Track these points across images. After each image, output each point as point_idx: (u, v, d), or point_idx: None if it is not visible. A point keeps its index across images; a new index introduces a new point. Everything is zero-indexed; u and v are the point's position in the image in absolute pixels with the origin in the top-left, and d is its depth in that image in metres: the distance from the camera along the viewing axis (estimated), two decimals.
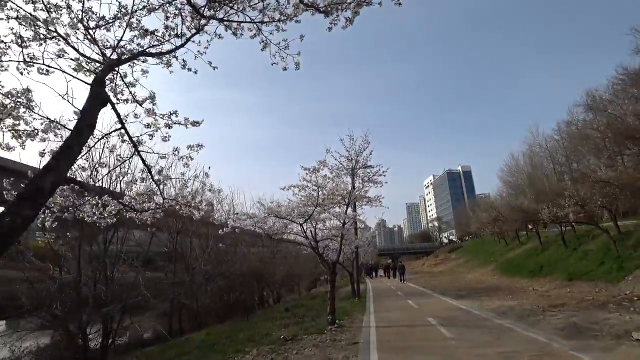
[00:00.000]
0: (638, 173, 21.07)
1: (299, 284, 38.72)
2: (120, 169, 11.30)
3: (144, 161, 4.80)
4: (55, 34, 3.96)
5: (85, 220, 5.25)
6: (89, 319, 12.86)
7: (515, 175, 63.76)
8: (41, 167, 3.16)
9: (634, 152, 27.39)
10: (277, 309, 21.62)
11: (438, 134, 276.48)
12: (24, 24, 3.77)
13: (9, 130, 4.08)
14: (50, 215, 4.63)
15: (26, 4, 3.73)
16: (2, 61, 3.84)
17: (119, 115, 4.27)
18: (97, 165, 8.27)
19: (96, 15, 4.05)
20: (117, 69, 4.36)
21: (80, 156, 3.93)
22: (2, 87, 3.93)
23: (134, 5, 3.99)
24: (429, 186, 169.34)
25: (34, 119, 4.18)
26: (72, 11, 3.96)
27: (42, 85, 4.11)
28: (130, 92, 4.65)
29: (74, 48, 4.08)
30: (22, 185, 3.09)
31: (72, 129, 3.48)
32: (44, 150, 4.37)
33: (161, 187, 5.15)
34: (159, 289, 18.82)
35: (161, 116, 4.64)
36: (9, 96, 3.93)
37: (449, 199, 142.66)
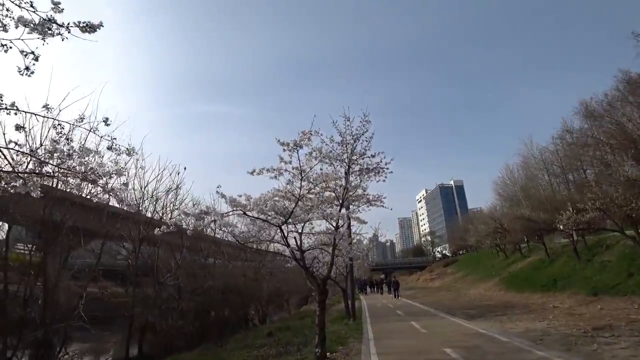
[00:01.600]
0: None
1: (288, 301, 35.92)
2: None
3: None
4: None
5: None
6: (17, 344, 10.20)
7: (509, 188, 62.30)
8: None
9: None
10: (260, 331, 18.92)
11: (430, 148, 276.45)
12: None
13: None
14: None
15: None
16: None
17: None
18: None
19: None
20: None
21: None
22: None
23: None
24: (421, 200, 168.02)
25: None
26: None
27: None
28: None
29: None
30: None
31: None
32: None
33: None
34: (120, 306, 16.17)
35: None
36: None
37: (442, 213, 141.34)
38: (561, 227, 19.45)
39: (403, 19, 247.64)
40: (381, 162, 8.59)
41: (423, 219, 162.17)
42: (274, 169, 6.14)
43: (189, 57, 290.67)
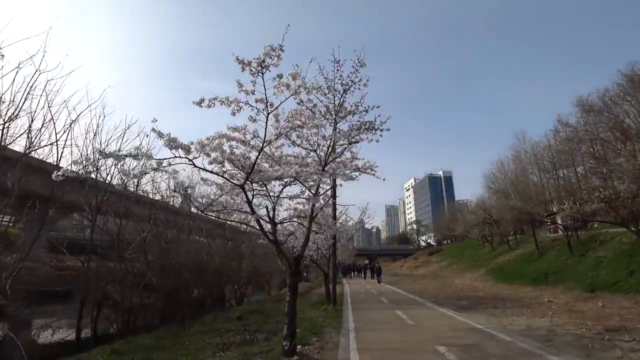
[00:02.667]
0: None
1: (269, 282, 34.72)
2: None
3: None
4: None
5: None
6: None
7: (499, 181, 61.80)
8: None
9: None
10: (233, 312, 17.60)
11: (420, 137, 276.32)
12: None
13: None
14: None
15: None
16: None
17: None
18: None
19: None
20: None
21: None
22: None
23: None
24: (409, 189, 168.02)
25: None
26: None
27: None
28: None
29: None
30: None
31: None
32: None
33: None
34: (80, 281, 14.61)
35: None
36: None
37: (429, 202, 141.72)
38: (559, 220, 18.34)
39: (396, 10, 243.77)
40: (375, 120, 7.07)
41: (410, 207, 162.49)
42: (230, 101, 4.51)
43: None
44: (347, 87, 6.83)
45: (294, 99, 4.81)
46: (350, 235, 24.55)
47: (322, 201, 7.43)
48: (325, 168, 6.41)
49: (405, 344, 7.44)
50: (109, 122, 66.09)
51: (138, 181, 14.36)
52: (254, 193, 6.34)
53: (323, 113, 6.74)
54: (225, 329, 10.85)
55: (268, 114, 4.41)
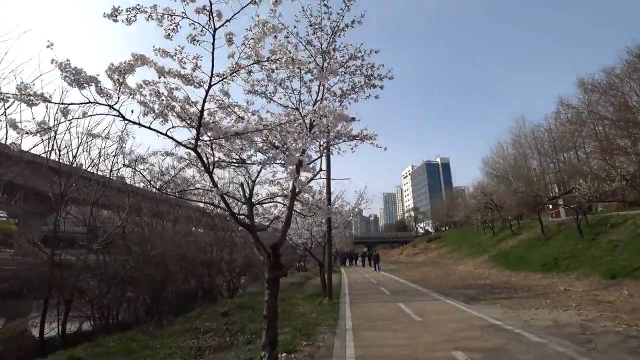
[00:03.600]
0: None
1: (264, 272, 33.43)
2: None
3: None
4: None
5: None
6: None
7: (499, 166, 60.60)
8: None
9: None
10: (222, 305, 16.31)
11: (417, 125, 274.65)
12: None
13: None
14: None
15: None
16: None
17: None
18: None
19: None
20: None
21: None
22: None
23: None
24: (406, 176, 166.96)
25: None
26: None
27: None
28: None
29: None
30: None
31: None
32: None
33: None
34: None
35: None
36: None
37: (427, 189, 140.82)
38: (562, 203, 17.01)
39: None
40: (373, 68, 5.64)
41: (407, 194, 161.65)
42: (160, 14, 2.95)
43: None
44: (336, 29, 5.36)
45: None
46: (348, 222, 23.17)
47: (306, 175, 6.02)
48: (312, 130, 5.00)
49: (413, 348, 6.10)
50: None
51: (110, 164, 12.79)
52: (216, 162, 4.90)
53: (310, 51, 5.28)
54: (206, 328, 9.52)
55: (215, 30, 2.94)
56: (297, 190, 5.96)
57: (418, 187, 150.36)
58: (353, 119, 7.33)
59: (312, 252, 18.70)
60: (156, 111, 3.43)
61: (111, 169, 13.79)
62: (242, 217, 6.97)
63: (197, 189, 5.64)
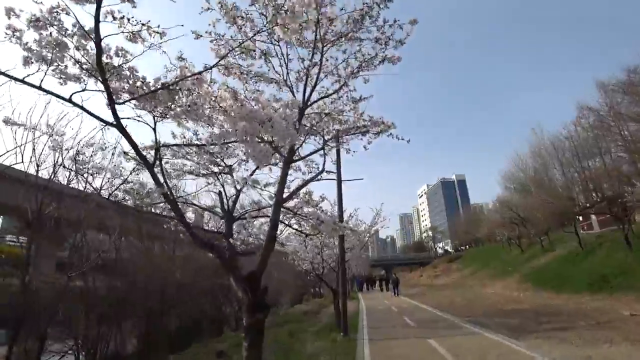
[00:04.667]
0: None
1: (278, 298, 31.26)
2: None
3: None
4: None
5: None
6: None
7: (518, 178, 57.88)
8: None
9: None
10: (222, 341, 14.40)
11: (432, 144, 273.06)
12: None
13: None
14: None
15: None
16: None
17: None
18: None
19: None
20: None
21: None
22: None
23: None
24: (422, 195, 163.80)
25: None
26: None
27: None
28: None
29: None
30: None
31: None
32: None
33: None
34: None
35: None
36: None
37: (444, 208, 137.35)
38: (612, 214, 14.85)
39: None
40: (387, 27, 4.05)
41: (424, 214, 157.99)
42: None
43: None
44: None
45: None
46: (364, 243, 21.16)
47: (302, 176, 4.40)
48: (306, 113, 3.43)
49: None
50: None
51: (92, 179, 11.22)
52: (160, 146, 3.30)
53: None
54: None
55: None
56: (283, 196, 4.29)
57: (435, 206, 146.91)
58: (363, 98, 5.67)
59: (325, 277, 16.75)
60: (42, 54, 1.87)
61: (101, 186, 12.25)
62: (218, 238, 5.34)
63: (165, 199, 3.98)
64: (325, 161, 6.14)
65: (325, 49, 4.79)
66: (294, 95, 5.18)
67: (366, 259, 44.48)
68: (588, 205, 29.17)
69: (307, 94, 5.24)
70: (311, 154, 5.96)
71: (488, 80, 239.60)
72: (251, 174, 6.55)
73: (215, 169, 6.49)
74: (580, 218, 32.71)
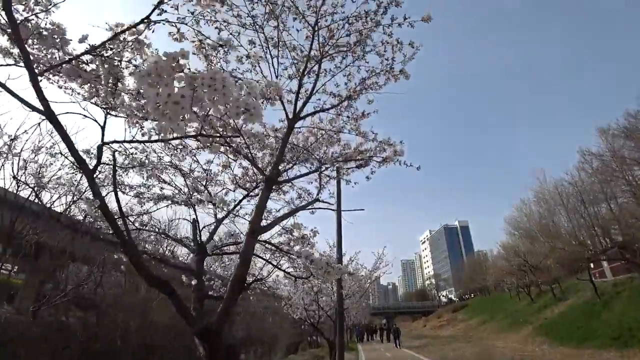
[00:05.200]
0: None
1: (272, 345, 28.91)
2: None
3: None
4: None
5: None
6: None
7: (522, 225, 56.63)
8: None
9: None
10: None
11: (434, 190, 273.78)
12: None
13: None
14: None
15: None
16: None
17: None
18: None
19: None
20: None
21: None
22: None
23: None
24: (425, 241, 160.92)
25: None
26: None
27: None
28: None
29: None
30: None
31: None
32: None
33: None
34: None
35: None
36: None
37: (447, 255, 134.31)
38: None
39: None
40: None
41: (427, 260, 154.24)
42: None
43: None
44: None
45: None
46: (365, 290, 19.66)
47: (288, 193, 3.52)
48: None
49: None
50: None
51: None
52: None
53: None
54: None
55: None
56: (260, 223, 3.34)
57: (438, 253, 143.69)
58: (366, 114, 4.92)
59: (321, 326, 15.20)
60: None
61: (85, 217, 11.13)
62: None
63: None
64: (321, 187, 5.25)
65: (323, 60, 4.16)
66: (284, 106, 4.40)
67: (367, 307, 42.14)
68: (598, 251, 27.83)
69: (299, 105, 4.47)
70: (302, 175, 5.08)
71: (489, 127, 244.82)
72: (237, 204, 5.69)
73: (198, 197, 5.64)
74: (591, 265, 31.22)
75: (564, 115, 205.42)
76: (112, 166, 3.06)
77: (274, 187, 4.67)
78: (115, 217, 2.72)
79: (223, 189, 6.04)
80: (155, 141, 3.28)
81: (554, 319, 23.42)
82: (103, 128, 2.68)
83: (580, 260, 24.74)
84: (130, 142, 2.84)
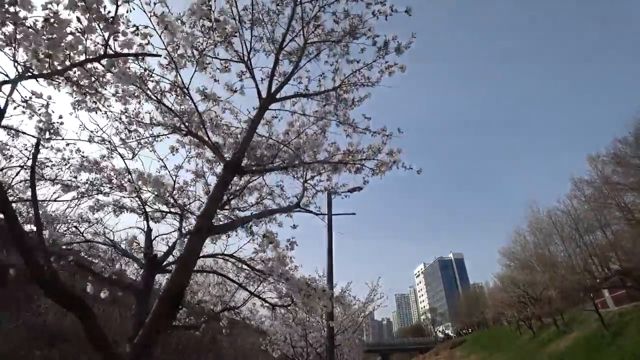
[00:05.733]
0: None
1: None
2: None
3: None
4: None
5: None
6: None
7: (517, 255, 55.63)
8: None
9: None
10: None
11: (427, 223, 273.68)
12: None
13: None
14: None
15: None
16: None
17: None
18: None
19: None
20: None
21: None
22: None
23: None
24: (419, 275, 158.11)
25: None
26: None
27: None
28: None
29: None
30: None
31: None
32: None
33: None
34: None
35: None
36: None
37: (442, 288, 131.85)
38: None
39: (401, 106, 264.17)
40: None
41: (422, 294, 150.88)
42: None
43: None
44: None
45: None
46: (359, 324, 18.20)
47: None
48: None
49: None
50: None
51: None
52: None
53: None
54: None
55: None
56: (207, 221, 2.44)
57: (433, 286, 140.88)
58: (356, 101, 4.17)
59: None
60: None
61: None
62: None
63: None
64: (304, 191, 4.38)
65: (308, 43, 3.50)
66: (255, 83, 3.60)
67: (360, 344, 39.88)
68: (600, 279, 26.79)
69: (275, 85, 3.69)
70: (279, 168, 4.20)
71: (480, 159, 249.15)
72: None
73: (165, 209, 4.71)
74: (592, 295, 30.13)
75: (554, 145, 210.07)
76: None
77: (239, 178, 3.77)
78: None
79: (195, 200, 5.10)
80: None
81: (561, 353, 22.00)
82: None
83: (582, 289, 23.68)
84: None
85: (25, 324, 10.28)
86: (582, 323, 24.67)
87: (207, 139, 3.20)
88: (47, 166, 4.08)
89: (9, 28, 1.99)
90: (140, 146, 4.11)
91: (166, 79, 3.22)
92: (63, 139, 3.11)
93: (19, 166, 4.60)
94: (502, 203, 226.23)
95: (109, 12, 1.90)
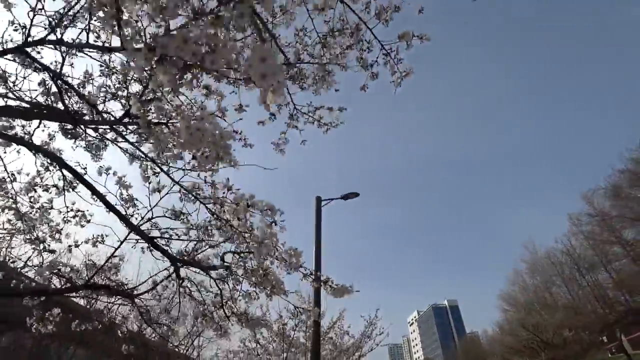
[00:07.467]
0: None
1: None
2: None
3: None
4: None
5: None
6: None
7: (516, 299, 52.83)
8: None
9: None
10: None
11: (418, 270, 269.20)
12: None
13: None
14: None
15: None
16: None
17: None
18: None
19: None
20: None
21: None
22: None
23: None
24: (413, 323, 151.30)
25: None
26: None
27: None
28: None
29: None
30: None
31: None
32: None
33: None
34: None
35: None
36: None
37: (437, 337, 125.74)
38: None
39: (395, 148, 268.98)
40: None
41: (416, 344, 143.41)
42: None
43: None
44: None
45: None
46: None
47: None
48: None
49: None
50: None
51: None
52: None
53: None
54: None
55: None
56: None
57: (428, 335, 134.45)
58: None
59: None
60: None
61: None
62: None
63: None
64: None
65: None
66: None
67: None
68: (620, 316, 24.28)
69: None
70: None
71: (471, 203, 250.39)
72: None
73: None
74: (604, 339, 27.58)
75: (548, 185, 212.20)
76: None
77: None
78: None
79: None
80: None
81: None
82: None
83: (601, 328, 21.16)
84: None
85: None
86: None
87: None
88: None
89: None
90: None
91: None
92: None
93: None
94: (496, 245, 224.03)
95: None
